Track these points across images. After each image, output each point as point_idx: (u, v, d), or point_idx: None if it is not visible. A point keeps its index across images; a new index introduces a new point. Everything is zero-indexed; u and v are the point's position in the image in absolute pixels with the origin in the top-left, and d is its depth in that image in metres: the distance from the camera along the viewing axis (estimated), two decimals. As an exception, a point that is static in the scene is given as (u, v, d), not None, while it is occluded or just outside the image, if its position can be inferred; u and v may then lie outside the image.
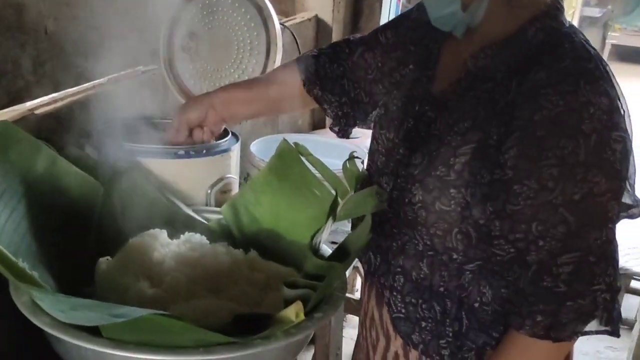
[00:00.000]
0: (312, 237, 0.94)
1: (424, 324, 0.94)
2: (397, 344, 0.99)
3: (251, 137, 1.87)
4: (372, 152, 1.05)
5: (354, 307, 2.53)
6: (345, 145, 2.01)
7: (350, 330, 2.88)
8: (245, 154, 1.73)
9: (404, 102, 0.99)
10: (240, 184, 1.36)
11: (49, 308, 0.75)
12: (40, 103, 1.21)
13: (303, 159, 1.09)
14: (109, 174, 1.10)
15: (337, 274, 0.90)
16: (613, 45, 7.75)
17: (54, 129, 1.19)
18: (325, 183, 1.08)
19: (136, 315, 0.69)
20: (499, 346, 0.89)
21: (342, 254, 0.99)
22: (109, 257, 0.96)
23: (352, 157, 1.05)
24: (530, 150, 0.81)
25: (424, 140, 0.93)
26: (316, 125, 2.54)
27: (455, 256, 0.90)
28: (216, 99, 1.17)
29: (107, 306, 0.74)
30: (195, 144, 1.20)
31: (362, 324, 1.11)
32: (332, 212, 0.97)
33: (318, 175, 1.09)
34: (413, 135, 0.96)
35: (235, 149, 1.30)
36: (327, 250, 1.07)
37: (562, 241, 0.81)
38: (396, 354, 1.00)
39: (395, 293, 0.96)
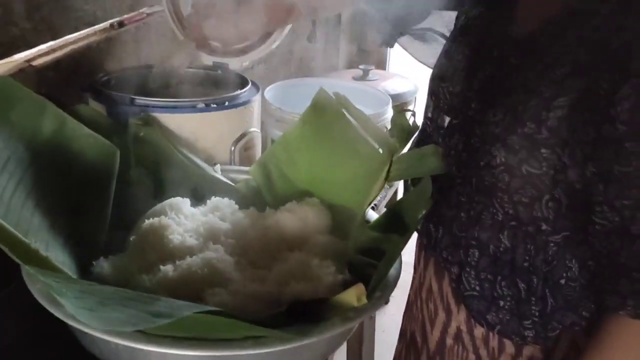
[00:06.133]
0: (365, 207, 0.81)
1: (502, 302, 0.83)
2: (459, 319, 0.89)
3: (264, 83, 1.72)
4: (431, 108, 0.91)
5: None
6: (364, 89, 1.86)
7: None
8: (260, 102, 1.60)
9: (476, 48, 0.85)
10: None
11: (73, 307, 0.63)
12: (37, 53, 1.06)
13: (344, 111, 0.96)
14: (121, 133, 0.97)
15: (397, 249, 0.78)
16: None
17: (55, 83, 1.05)
18: (370, 139, 0.96)
19: (182, 315, 0.58)
20: (597, 337, 0.77)
21: (394, 221, 0.88)
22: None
23: (401, 110, 0.92)
24: None
25: (505, 92, 0.79)
26: (328, 67, 2.38)
27: (544, 227, 0.78)
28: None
29: (143, 300, 0.63)
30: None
31: (415, 293, 1.00)
32: (388, 173, 0.85)
33: (361, 130, 0.96)
34: (490, 87, 0.81)
35: (257, 100, 1.17)
36: (372, 215, 0.95)
37: None
38: (458, 329, 0.90)
39: (468, 269, 0.85)
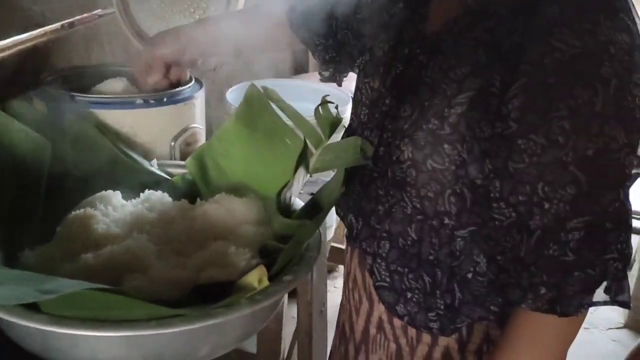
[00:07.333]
0: (279, 194, 0.84)
1: (409, 294, 0.84)
2: (380, 308, 0.90)
3: (228, 84, 1.75)
4: (355, 103, 0.93)
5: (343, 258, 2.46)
6: (330, 90, 1.89)
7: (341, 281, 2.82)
8: (221, 103, 1.62)
9: (392, 45, 0.87)
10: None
11: None
12: (-18, 52, 1.10)
13: (273, 105, 0.99)
14: (59, 128, 1.00)
15: (307, 233, 0.80)
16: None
17: (-1, 81, 1.08)
18: (299, 132, 0.98)
19: (67, 291, 0.60)
20: (506, 330, 0.79)
21: (315, 208, 0.90)
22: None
23: (324, 102, 0.94)
24: (538, 100, 0.70)
25: (414, 89, 0.81)
26: (298, 69, 2.41)
27: (447, 221, 0.80)
28: (195, 33, 1.06)
29: (38, 279, 0.65)
30: (165, 88, 1.11)
31: (345, 285, 1.02)
32: (301, 163, 0.87)
33: (290, 123, 0.99)
34: (401, 83, 0.84)
35: (200, 96, 1.20)
36: (300, 204, 0.97)
37: (572, 204, 0.70)
38: (380, 319, 0.91)
39: (379, 260, 0.86)
